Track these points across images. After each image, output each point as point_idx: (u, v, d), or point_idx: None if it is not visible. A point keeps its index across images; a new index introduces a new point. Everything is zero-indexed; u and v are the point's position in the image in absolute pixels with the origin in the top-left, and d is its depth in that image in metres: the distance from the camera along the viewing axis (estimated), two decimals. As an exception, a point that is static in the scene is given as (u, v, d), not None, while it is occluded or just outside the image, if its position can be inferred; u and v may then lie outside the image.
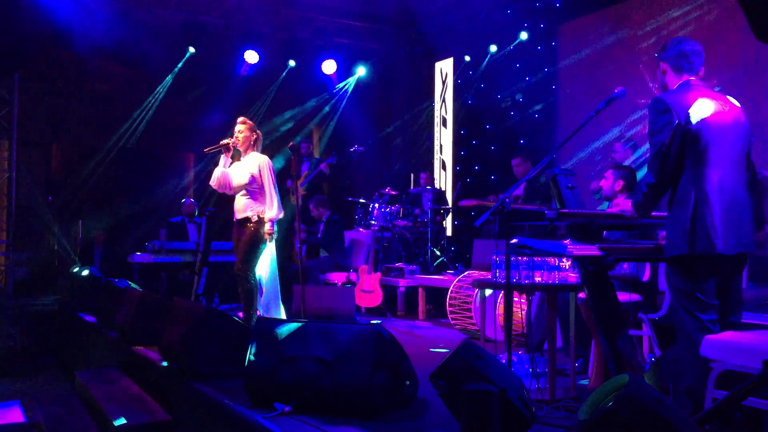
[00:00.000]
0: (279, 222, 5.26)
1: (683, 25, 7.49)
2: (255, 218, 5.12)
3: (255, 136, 5.29)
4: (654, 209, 3.12)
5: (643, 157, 6.59)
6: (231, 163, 5.31)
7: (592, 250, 3.06)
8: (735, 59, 6.96)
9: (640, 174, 5.54)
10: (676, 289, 2.95)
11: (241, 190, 5.18)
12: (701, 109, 2.92)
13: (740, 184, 2.97)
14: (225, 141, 5.22)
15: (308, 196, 8.73)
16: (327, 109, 11.52)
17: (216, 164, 5.29)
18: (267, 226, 5.12)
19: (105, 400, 4.44)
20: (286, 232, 8.04)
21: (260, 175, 5.14)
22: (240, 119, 5.32)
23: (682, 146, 2.90)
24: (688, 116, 2.89)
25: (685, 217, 2.88)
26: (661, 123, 2.92)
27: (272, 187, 5.16)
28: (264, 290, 5.27)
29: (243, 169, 5.20)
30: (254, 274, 5.13)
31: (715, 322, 2.88)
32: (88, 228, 9.58)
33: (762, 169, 6.11)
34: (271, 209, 5.13)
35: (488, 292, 5.23)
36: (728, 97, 3.08)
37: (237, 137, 5.23)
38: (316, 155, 10.65)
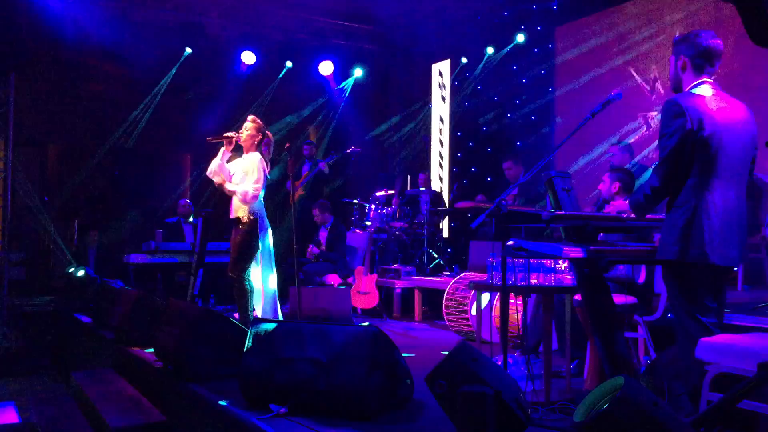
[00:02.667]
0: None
1: (680, 28, 7.51)
2: (245, 219, 5.10)
3: (260, 137, 5.24)
4: (651, 212, 3.11)
5: (639, 162, 6.60)
6: (230, 158, 5.30)
7: (581, 252, 3.05)
8: (731, 62, 6.98)
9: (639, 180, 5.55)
10: (674, 291, 2.94)
11: (246, 196, 5.18)
12: (714, 115, 2.87)
13: (743, 194, 2.95)
14: (229, 134, 5.22)
15: (307, 197, 8.72)
16: (324, 110, 11.52)
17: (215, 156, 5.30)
18: (246, 207, 5.10)
19: (100, 401, 4.42)
20: (284, 234, 8.03)
21: (252, 172, 5.13)
22: (250, 117, 5.32)
23: (692, 152, 2.85)
24: (701, 122, 2.83)
25: (681, 224, 2.85)
26: (674, 127, 2.85)
27: (257, 183, 5.10)
28: (263, 292, 5.25)
29: (239, 168, 5.20)
30: (249, 275, 5.11)
31: (715, 325, 2.87)
32: (83, 228, 9.55)
33: (757, 171, 6.13)
34: (242, 187, 5.09)
35: (484, 294, 5.24)
36: (738, 101, 3.03)
37: (242, 133, 5.22)
38: (317, 157, 10.65)
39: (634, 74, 8.06)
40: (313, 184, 9.05)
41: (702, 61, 2.99)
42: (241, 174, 5.15)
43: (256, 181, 5.10)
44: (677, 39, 3.12)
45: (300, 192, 8.82)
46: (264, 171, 5.17)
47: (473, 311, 5.66)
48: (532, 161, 7.35)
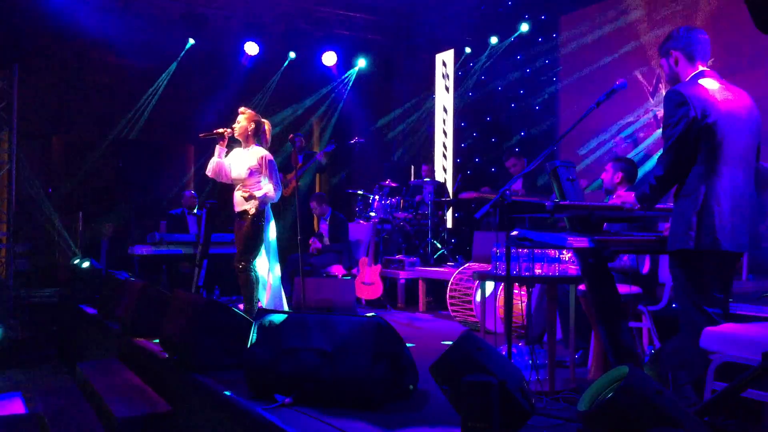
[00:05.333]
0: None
1: (685, 16, 7.47)
2: (252, 211, 5.08)
3: (254, 127, 5.15)
4: (658, 202, 3.10)
5: (643, 152, 6.59)
6: (228, 153, 5.25)
7: (586, 242, 3.05)
8: (737, 50, 6.94)
9: (642, 168, 5.54)
10: (682, 282, 2.93)
11: (239, 183, 5.15)
12: (717, 102, 2.87)
13: (750, 180, 2.94)
14: (220, 130, 5.14)
15: (304, 188, 8.72)
16: (328, 101, 11.50)
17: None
18: (254, 202, 5.03)
19: (106, 392, 4.45)
20: (286, 227, 8.04)
21: (259, 170, 5.10)
22: (240, 109, 5.21)
23: (696, 141, 2.85)
24: (704, 110, 2.84)
25: (691, 212, 2.85)
26: (678, 116, 2.85)
27: (273, 180, 5.10)
28: (269, 284, 5.25)
29: (243, 162, 5.13)
30: (254, 267, 5.11)
31: (721, 315, 2.87)
32: (89, 220, 9.58)
33: (763, 160, 6.11)
34: (263, 191, 5.04)
35: (489, 284, 5.24)
36: (740, 89, 3.03)
37: (234, 127, 5.17)
38: (317, 148, 10.64)
39: (640, 64, 8.02)
40: (307, 175, 9.03)
41: (693, 51, 3.02)
42: (246, 170, 5.08)
43: (273, 178, 5.07)
44: (662, 42, 3.14)
45: (294, 182, 8.79)
46: (273, 162, 5.13)
47: (477, 301, 5.66)
48: (537, 151, 7.36)
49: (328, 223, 7.85)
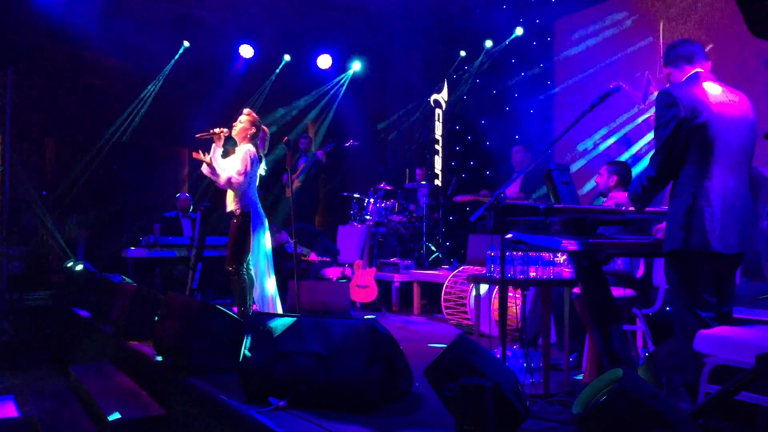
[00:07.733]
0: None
1: (680, 21, 7.49)
2: (238, 212, 5.07)
3: (253, 131, 5.15)
4: (650, 203, 3.11)
5: (640, 153, 6.61)
6: (229, 152, 5.24)
7: (580, 245, 3.05)
8: (732, 55, 6.97)
9: (635, 169, 5.56)
10: (675, 284, 2.94)
11: (230, 182, 5.14)
12: (709, 103, 2.87)
13: (743, 181, 2.94)
14: (216, 130, 5.12)
15: (303, 189, 8.70)
16: (322, 103, 11.50)
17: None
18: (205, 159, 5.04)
19: (99, 395, 4.43)
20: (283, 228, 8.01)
21: (242, 164, 5.07)
22: (246, 110, 5.23)
23: (687, 141, 2.86)
24: (694, 110, 2.84)
25: (682, 213, 2.86)
26: (668, 117, 2.87)
27: (241, 167, 5.01)
28: (260, 286, 5.24)
29: (233, 161, 5.15)
30: (246, 268, 5.09)
31: (713, 319, 2.87)
32: (80, 223, 9.55)
33: (758, 165, 6.13)
34: (226, 174, 5.01)
35: (483, 287, 5.24)
36: (736, 90, 3.03)
37: (235, 125, 5.16)
38: (313, 148, 10.63)
39: (635, 66, 8.04)
40: (309, 175, 9.03)
41: (678, 61, 3.07)
42: (233, 171, 5.09)
43: (239, 171, 5.01)
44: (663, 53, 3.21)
45: (296, 183, 8.79)
46: (250, 161, 5.05)
47: (472, 304, 5.66)
48: (532, 155, 7.37)
49: (292, 244, 7.70)
